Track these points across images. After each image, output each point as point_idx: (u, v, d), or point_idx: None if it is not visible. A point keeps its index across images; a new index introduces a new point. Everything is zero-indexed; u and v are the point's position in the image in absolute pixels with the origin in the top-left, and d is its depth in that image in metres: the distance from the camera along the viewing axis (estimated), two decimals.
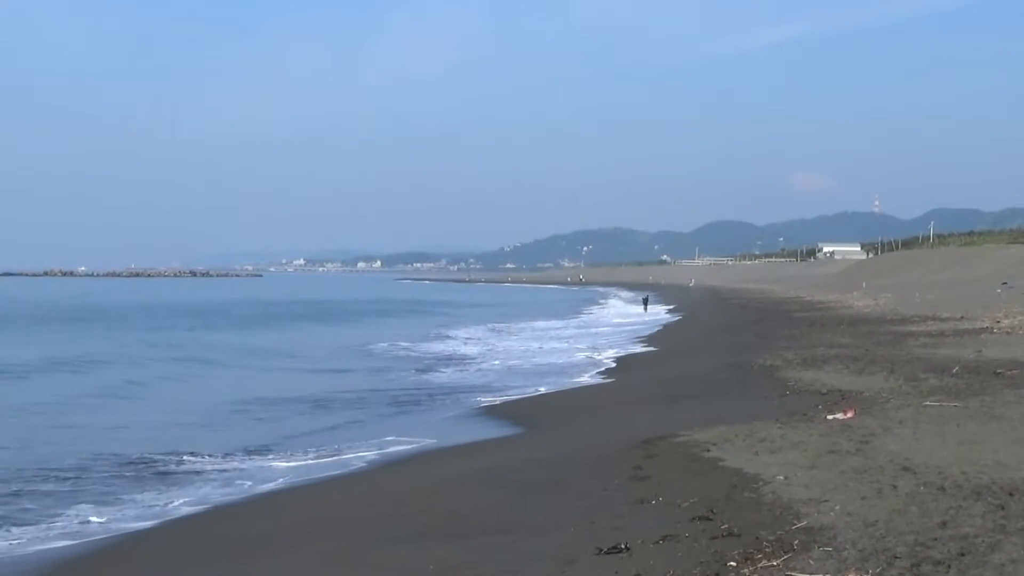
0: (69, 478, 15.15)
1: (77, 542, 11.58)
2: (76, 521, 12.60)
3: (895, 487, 9.90)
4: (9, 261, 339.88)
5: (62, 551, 11.24)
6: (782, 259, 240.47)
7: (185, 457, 16.57)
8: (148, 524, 12.33)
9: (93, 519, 12.66)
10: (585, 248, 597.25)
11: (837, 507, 9.23)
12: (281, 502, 13.16)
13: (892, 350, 26.66)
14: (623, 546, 8.56)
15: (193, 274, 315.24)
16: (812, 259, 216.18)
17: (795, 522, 8.82)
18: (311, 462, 16.20)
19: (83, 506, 13.32)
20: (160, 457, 16.55)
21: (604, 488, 11.23)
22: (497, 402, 22.86)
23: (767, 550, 8.02)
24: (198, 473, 15.53)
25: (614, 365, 30.92)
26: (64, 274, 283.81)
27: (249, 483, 14.63)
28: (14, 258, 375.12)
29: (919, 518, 8.67)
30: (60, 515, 12.82)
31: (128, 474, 15.48)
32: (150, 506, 13.35)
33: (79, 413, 23.06)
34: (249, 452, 17.18)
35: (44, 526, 12.36)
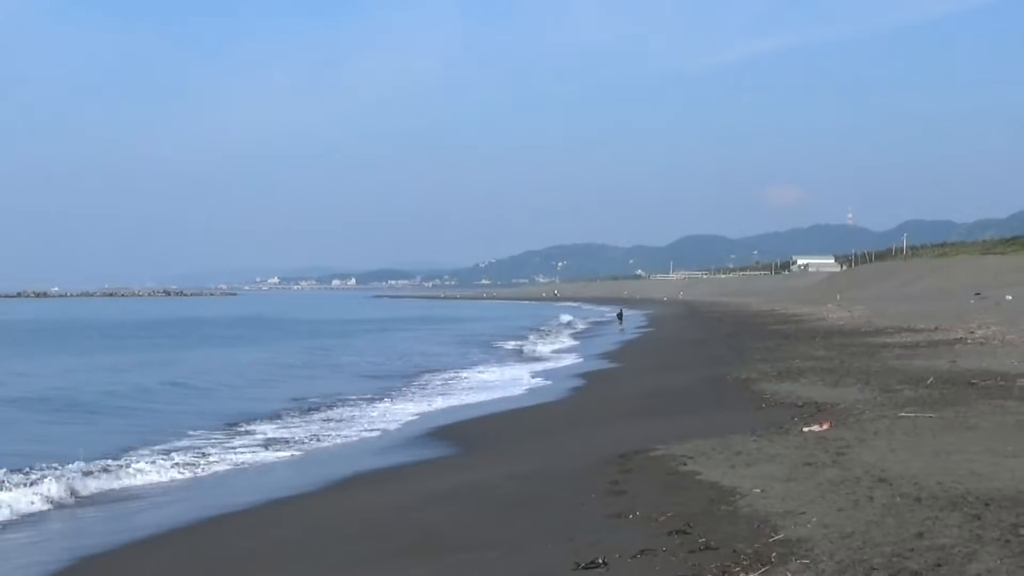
0: None
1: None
2: None
3: (871, 498, 9.92)
4: None
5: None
6: (756, 272, 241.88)
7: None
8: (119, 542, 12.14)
9: None
10: (559, 264, 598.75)
11: (814, 519, 9.24)
12: (258, 519, 12.99)
13: (867, 362, 26.81)
14: (601, 561, 8.53)
15: (167, 293, 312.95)
16: (786, 272, 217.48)
17: (772, 535, 8.81)
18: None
19: None
20: None
21: (581, 503, 11.19)
22: (470, 418, 22.69)
23: (745, 563, 8.00)
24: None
25: (587, 381, 30.75)
26: (38, 295, 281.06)
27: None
28: None
29: (896, 529, 8.68)
30: None
31: None
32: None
33: None
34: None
35: None
